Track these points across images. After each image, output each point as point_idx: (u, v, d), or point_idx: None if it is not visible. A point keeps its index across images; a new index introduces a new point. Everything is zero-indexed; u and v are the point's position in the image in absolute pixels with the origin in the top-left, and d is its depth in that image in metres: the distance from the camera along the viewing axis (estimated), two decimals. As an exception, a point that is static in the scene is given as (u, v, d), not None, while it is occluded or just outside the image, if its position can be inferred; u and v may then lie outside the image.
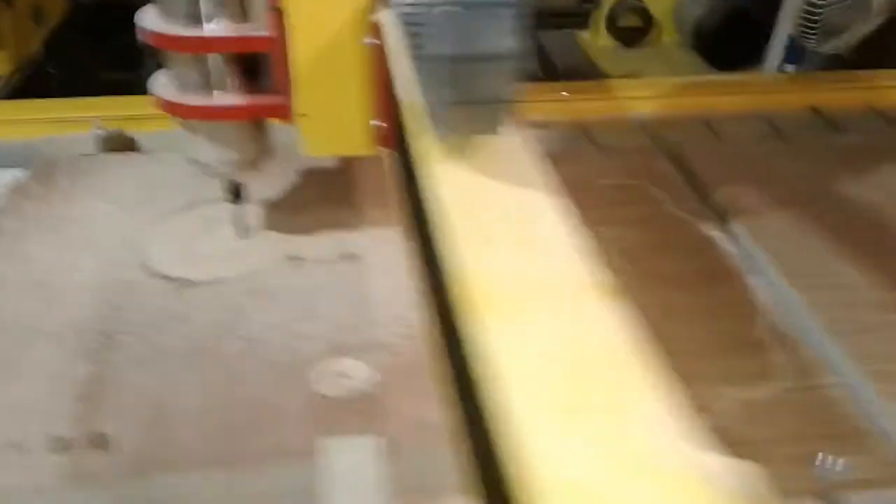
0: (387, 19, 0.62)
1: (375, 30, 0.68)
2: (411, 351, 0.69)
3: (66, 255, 0.79)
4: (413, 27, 0.53)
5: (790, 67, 1.26)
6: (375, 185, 0.91)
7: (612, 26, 1.48)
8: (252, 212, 0.85)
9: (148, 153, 0.99)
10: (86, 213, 0.86)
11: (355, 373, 0.67)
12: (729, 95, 1.14)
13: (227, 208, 0.83)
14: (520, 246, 0.42)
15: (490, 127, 0.50)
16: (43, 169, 0.93)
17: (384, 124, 0.74)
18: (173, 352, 0.68)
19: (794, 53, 1.24)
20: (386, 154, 0.74)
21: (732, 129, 1.05)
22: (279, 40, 0.70)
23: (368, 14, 0.69)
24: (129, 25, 0.73)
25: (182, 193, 0.89)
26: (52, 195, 0.89)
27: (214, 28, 0.70)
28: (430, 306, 0.50)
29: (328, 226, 0.84)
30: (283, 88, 0.73)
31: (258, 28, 0.71)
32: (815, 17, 1.07)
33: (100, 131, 1.00)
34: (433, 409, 0.63)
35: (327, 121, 0.74)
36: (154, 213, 0.86)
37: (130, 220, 0.85)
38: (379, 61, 0.70)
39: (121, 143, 1.03)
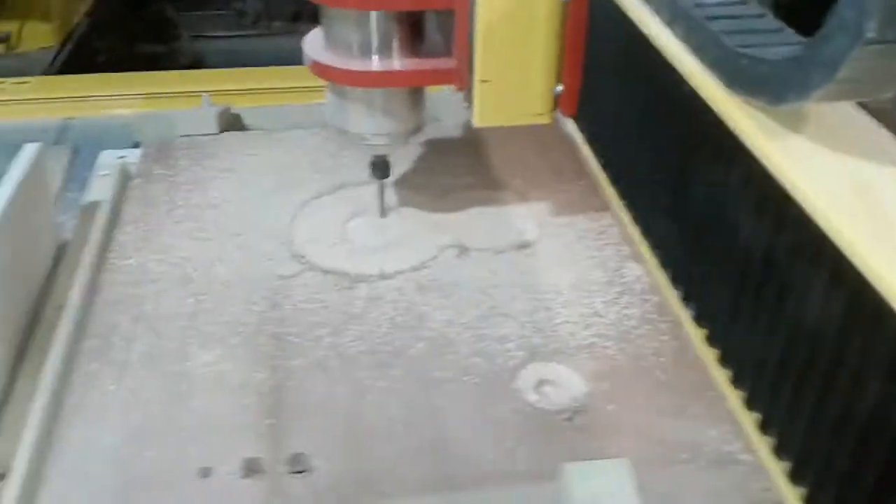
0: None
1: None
2: (622, 354, 0.61)
3: (208, 246, 0.72)
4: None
5: None
6: (535, 160, 0.84)
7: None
8: (392, 193, 0.78)
9: (261, 131, 0.91)
10: (221, 198, 0.78)
11: (565, 380, 0.60)
12: None
13: (371, 190, 0.75)
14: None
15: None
16: (159, 150, 0.86)
17: (570, 89, 0.67)
18: (354, 356, 0.61)
19: None
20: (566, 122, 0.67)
21: None
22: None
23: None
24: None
25: (320, 175, 0.81)
26: (177, 178, 0.81)
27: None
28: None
29: (487, 210, 0.77)
30: (462, 51, 0.65)
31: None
32: None
33: (214, 108, 0.92)
34: (664, 422, 0.56)
35: (508, 87, 0.66)
36: (295, 198, 0.78)
37: (271, 207, 0.77)
38: (576, 20, 0.62)
39: (227, 121, 0.95)
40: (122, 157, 0.89)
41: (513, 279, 0.69)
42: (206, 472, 0.53)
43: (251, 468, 0.53)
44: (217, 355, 0.61)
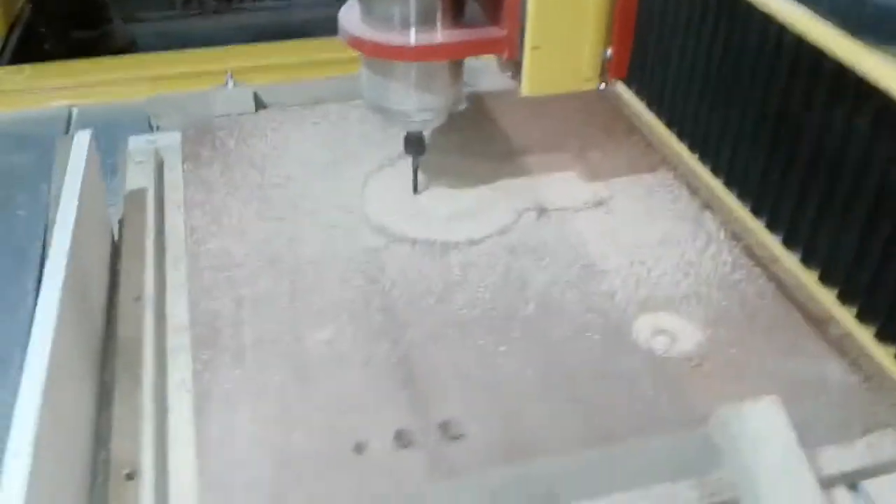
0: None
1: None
2: (727, 299, 0.63)
3: (285, 226, 0.70)
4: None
5: None
6: (582, 121, 0.84)
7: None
8: (453, 161, 0.77)
9: (299, 107, 0.88)
10: (283, 176, 0.76)
11: (681, 329, 0.61)
12: None
13: (430, 162, 0.75)
14: None
15: None
16: (198, 131, 0.82)
17: (621, 52, 0.68)
18: (469, 322, 0.61)
19: None
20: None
21: None
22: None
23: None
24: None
25: (374, 148, 0.80)
26: (229, 159, 0.78)
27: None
28: None
29: (553, 172, 0.77)
30: (512, 19, 0.65)
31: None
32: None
33: (239, 86, 0.89)
34: (786, 361, 0.59)
35: (559, 53, 0.66)
36: (356, 171, 0.77)
37: (336, 182, 0.76)
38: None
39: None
40: (151, 141, 0.86)
41: (599, 236, 0.70)
42: (360, 448, 0.52)
43: (405, 439, 0.53)
44: (331, 333, 0.60)
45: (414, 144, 0.72)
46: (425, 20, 0.65)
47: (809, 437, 0.53)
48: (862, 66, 0.44)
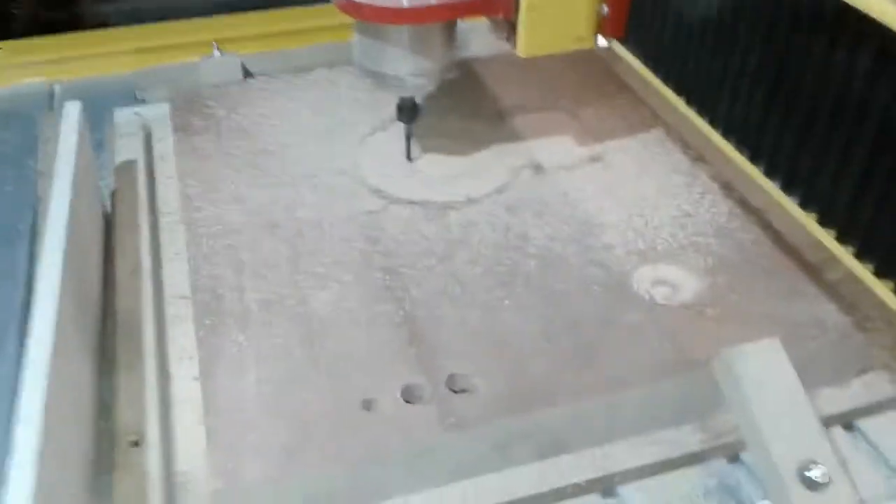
0: None
1: None
2: (724, 248, 0.64)
3: (281, 191, 0.70)
4: None
5: None
6: (572, 79, 0.84)
7: None
8: (447, 122, 0.77)
9: (287, 74, 0.88)
10: (277, 143, 0.75)
11: (682, 278, 0.62)
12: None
13: (424, 124, 0.74)
14: None
15: None
16: (187, 101, 0.82)
17: (618, 10, 0.67)
18: (472, 278, 0.61)
19: None
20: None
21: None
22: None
23: None
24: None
25: (367, 112, 0.80)
26: (221, 128, 0.78)
27: None
28: None
29: (547, 129, 0.77)
30: None
31: None
32: None
33: (226, 56, 0.88)
34: (786, 305, 0.59)
35: (555, 12, 0.66)
36: (350, 136, 0.77)
37: (330, 147, 0.75)
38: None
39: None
40: (138, 114, 0.85)
41: (596, 191, 0.70)
42: (368, 405, 0.52)
43: (413, 394, 0.53)
44: (336, 294, 0.60)
45: (407, 111, 0.72)
46: None
47: (808, 378, 0.54)
48: (863, 3, 0.44)
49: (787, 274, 0.61)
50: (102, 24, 2.10)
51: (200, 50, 0.91)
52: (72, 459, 0.49)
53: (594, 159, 0.74)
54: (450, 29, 0.69)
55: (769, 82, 0.54)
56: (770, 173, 0.56)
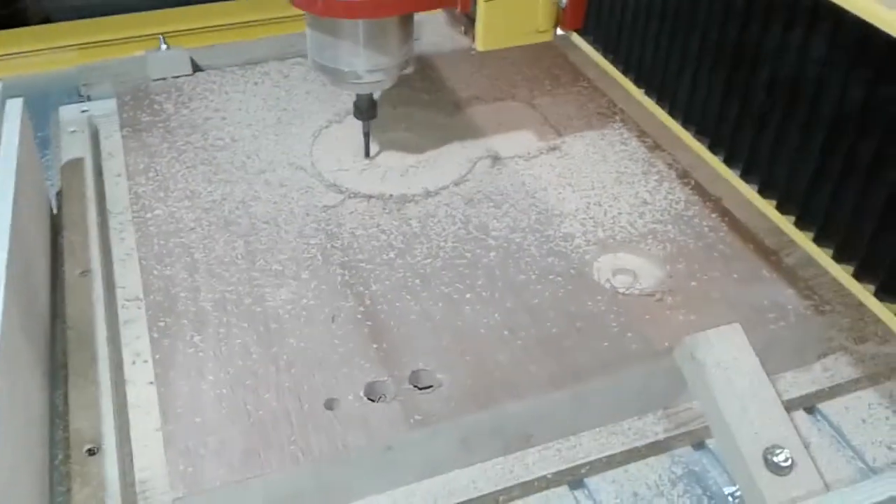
0: None
1: None
2: (682, 235, 0.64)
3: (235, 188, 0.68)
4: None
5: None
6: (529, 70, 0.84)
7: None
8: (404, 113, 0.76)
9: (237, 67, 0.86)
10: (228, 137, 0.74)
11: (642, 266, 0.62)
12: None
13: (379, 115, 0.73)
14: None
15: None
16: (134, 97, 0.79)
17: (576, 2, 0.67)
18: (432, 272, 0.60)
19: None
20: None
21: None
22: None
23: None
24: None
25: (321, 105, 0.78)
26: (170, 123, 0.75)
27: None
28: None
29: (504, 120, 0.77)
30: None
31: None
32: None
33: (173, 49, 0.86)
34: (746, 289, 0.60)
35: (513, 5, 0.65)
36: (304, 129, 0.75)
37: (284, 140, 0.74)
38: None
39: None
40: (84, 111, 0.82)
41: (555, 181, 0.70)
42: (331, 404, 0.51)
43: (377, 392, 0.52)
44: (294, 291, 0.59)
45: (364, 109, 0.70)
46: None
47: (769, 362, 0.55)
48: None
49: (745, 259, 0.62)
50: (45, 19, 2.05)
51: (147, 45, 0.89)
52: (25, 472, 0.47)
53: (552, 149, 0.74)
54: (407, 23, 0.68)
55: (726, 70, 0.54)
56: (729, 160, 0.56)
